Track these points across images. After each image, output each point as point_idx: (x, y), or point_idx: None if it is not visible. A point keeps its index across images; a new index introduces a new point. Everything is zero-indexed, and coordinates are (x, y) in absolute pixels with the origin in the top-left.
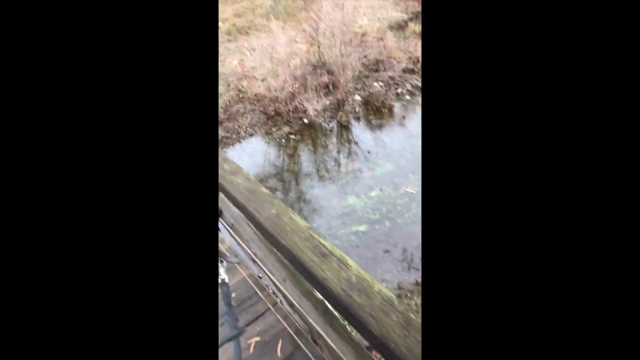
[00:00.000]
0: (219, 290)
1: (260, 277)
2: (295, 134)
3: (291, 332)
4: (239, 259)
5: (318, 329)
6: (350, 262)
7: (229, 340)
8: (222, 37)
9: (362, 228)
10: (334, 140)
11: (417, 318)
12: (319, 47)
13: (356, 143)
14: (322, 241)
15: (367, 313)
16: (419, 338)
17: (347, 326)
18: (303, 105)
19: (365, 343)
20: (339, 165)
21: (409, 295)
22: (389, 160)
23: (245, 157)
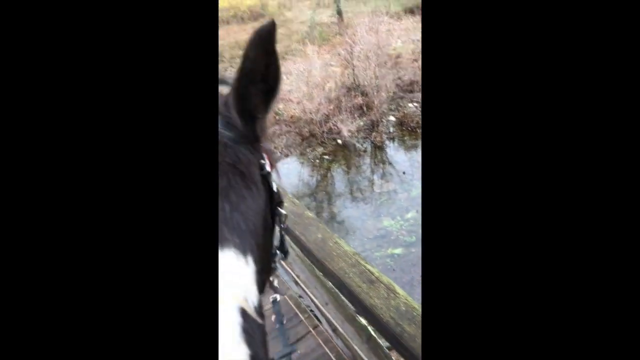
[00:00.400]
0: (271, 307)
1: (301, 297)
2: (329, 155)
3: (332, 356)
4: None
5: (362, 355)
6: (398, 289)
7: (282, 357)
8: None
9: (398, 251)
10: (368, 160)
11: None
12: (353, 69)
13: (390, 163)
14: (369, 267)
15: (418, 344)
16: None
17: (391, 353)
18: (337, 127)
19: None
20: (372, 185)
21: None
22: None
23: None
